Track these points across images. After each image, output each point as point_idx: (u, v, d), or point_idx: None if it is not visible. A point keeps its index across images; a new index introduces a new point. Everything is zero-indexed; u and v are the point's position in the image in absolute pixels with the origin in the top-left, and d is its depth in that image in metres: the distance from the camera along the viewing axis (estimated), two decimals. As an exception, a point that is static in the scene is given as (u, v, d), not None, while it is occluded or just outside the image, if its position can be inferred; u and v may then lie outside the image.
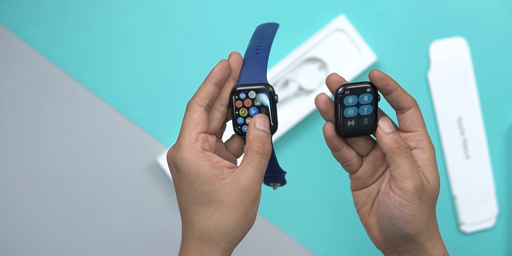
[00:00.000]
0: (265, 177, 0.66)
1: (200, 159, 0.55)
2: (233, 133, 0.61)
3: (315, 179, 0.95)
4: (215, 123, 0.58)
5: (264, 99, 0.58)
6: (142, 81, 0.94)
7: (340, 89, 0.58)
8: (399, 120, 0.59)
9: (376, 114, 0.60)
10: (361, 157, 0.62)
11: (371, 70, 0.58)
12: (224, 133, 0.61)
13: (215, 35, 0.95)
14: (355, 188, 0.64)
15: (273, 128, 0.59)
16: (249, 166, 0.55)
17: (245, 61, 0.59)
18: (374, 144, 0.62)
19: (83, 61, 0.94)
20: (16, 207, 0.94)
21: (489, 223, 0.95)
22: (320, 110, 0.60)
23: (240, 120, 0.59)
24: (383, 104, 0.60)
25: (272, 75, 0.92)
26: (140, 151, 0.94)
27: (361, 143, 0.61)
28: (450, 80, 0.94)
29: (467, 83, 0.95)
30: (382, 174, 0.62)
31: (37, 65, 0.94)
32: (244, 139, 0.60)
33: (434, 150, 0.59)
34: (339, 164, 0.64)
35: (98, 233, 0.94)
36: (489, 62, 0.95)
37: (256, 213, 0.57)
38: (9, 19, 0.93)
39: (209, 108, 0.57)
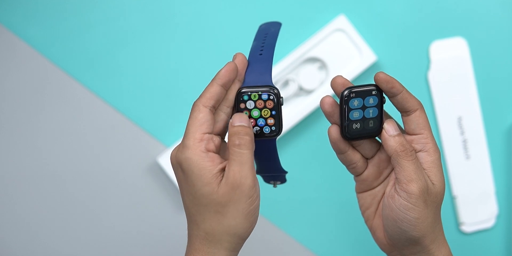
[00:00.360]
0: (266, 176, 0.66)
1: (203, 159, 0.55)
2: None
3: (316, 179, 0.95)
4: (220, 124, 0.58)
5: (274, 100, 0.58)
6: (142, 81, 0.94)
7: (346, 92, 0.58)
8: (405, 122, 0.59)
9: (381, 116, 0.59)
10: (366, 159, 0.62)
11: (376, 72, 0.58)
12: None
13: (215, 35, 0.95)
14: (360, 190, 0.63)
15: (278, 131, 0.59)
16: (232, 161, 0.55)
17: (250, 62, 0.59)
18: (379, 146, 0.62)
19: (83, 61, 0.94)
20: (16, 207, 0.94)
21: (489, 223, 0.95)
22: (325, 112, 0.59)
23: (261, 122, 0.59)
24: (388, 107, 0.60)
25: (272, 75, 0.92)
26: (140, 151, 0.94)
27: (366, 145, 0.61)
28: (450, 80, 0.94)
29: (467, 83, 0.95)
30: (387, 176, 0.62)
31: (37, 65, 0.94)
32: (257, 142, 0.60)
33: (440, 153, 0.59)
34: (339, 164, 0.63)
35: (98, 233, 0.94)
36: (489, 62, 0.95)
37: (258, 212, 0.57)
38: (9, 19, 0.93)
39: (214, 109, 0.57)
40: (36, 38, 0.94)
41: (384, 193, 0.61)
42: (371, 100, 0.59)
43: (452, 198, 0.95)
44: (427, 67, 0.95)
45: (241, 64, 0.59)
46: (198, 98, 0.57)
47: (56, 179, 0.94)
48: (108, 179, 0.94)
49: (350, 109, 0.58)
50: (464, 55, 0.95)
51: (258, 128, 0.59)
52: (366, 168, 0.62)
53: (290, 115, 0.92)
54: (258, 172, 0.64)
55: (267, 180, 0.66)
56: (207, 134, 0.56)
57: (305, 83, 0.92)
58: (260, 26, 0.65)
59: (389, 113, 0.61)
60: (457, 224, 0.95)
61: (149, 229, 0.94)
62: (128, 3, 0.94)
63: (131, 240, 0.95)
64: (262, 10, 0.94)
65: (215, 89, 0.57)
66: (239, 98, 0.58)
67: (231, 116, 0.59)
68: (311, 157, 0.95)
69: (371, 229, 0.63)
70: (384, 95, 0.59)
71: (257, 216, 0.57)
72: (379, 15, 0.94)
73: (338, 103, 0.59)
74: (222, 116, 0.59)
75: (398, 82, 0.58)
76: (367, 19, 0.94)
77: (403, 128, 0.60)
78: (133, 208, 0.94)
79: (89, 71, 0.94)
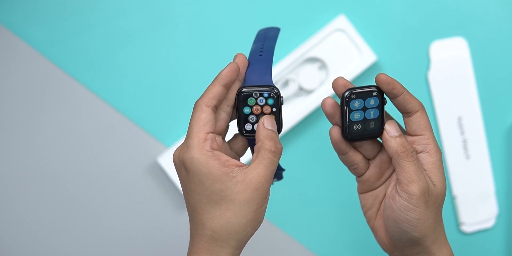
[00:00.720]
0: None
1: (209, 158, 0.55)
2: (235, 133, 0.61)
3: (316, 179, 0.95)
4: (222, 124, 0.59)
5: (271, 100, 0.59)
6: (142, 81, 0.94)
7: (347, 93, 0.58)
8: (406, 123, 0.59)
9: (382, 117, 0.60)
10: (368, 160, 0.62)
11: (377, 74, 0.58)
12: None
13: (215, 35, 0.95)
14: (361, 191, 0.64)
15: (278, 129, 0.60)
16: (261, 164, 0.56)
17: (250, 63, 0.60)
18: (381, 147, 0.62)
19: (83, 61, 0.94)
20: (16, 207, 0.94)
21: (489, 223, 0.95)
22: (326, 114, 0.60)
23: (252, 118, 0.59)
24: (389, 107, 0.60)
25: (272, 75, 0.92)
26: (140, 151, 0.94)
27: (367, 146, 0.61)
28: (450, 80, 0.94)
29: (467, 83, 0.95)
30: (389, 177, 0.62)
31: (37, 65, 0.94)
32: (248, 140, 0.61)
33: (441, 154, 0.59)
34: (339, 164, 0.63)
35: (98, 233, 0.94)
36: (489, 62, 0.95)
37: (265, 210, 0.57)
38: (9, 19, 0.94)
39: (216, 108, 0.58)
40: (36, 38, 0.94)
41: (385, 194, 0.61)
42: (372, 101, 0.59)
43: (452, 198, 0.95)
44: (427, 67, 0.95)
45: (242, 64, 0.59)
46: (200, 98, 0.57)
47: (56, 179, 0.94)
48: (108, 179, 0.94)
49: (351, 110, 0.59)
50: (464, 55, 0.95)
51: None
52: (367, 169, 0.62)
53: (290, 115, 0.92)
54: None
55: None
56: (210, 134, 0.56)
57: (305, 83, 0.92)
58: (259, 31, 0.65)
59: (390, 114, 0.61)
60: (457, 224, 0.95)
61: (149, 229, 0.94)
62: (128, 3, 0.94)
63: (131, 240, 0.95)
64: (262, 10, 0.94)
65: (217, 89, 0.57)
66: (240, 97, 0.58)
67: (231, 115, 0.60)
68: (311, 157, 0.95)
69: (373, 229, 0.63)
70: (385, 96, 0.59)
71: (264, 215, 0.58)
72: (379, 15, 0.94)
73: (339, 104, 0.59)
74: (223, 115, 0.59)
75: (399, 83, 0.58)
76: (367, 19, 0.94)
77: (405, 129, 0.60)
78: (133, 208, 0.94)
79: (89, 71, 0.94)
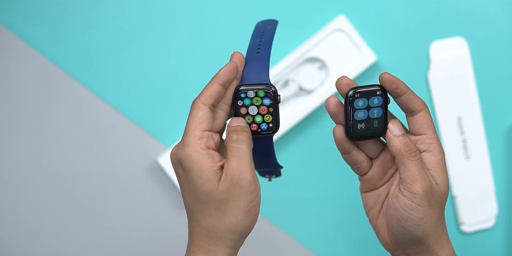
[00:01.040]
0: (262, 170, 0.66)
1: (203, 156, 0.55)
2: None
3: (316, 179, 0.95)
4: (219, 122, 0.59)
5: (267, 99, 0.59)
6: (142, 81, 0.94)
7: (350, 92, 0.58)
8: (409, 123, 0.59)
9: (386, 117, 0.60)
10: (371, 159, 0.63)
11: (381, 73, 0.58)
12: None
13: (215, 35, 0.95)
14: (364, 190, 0.64)
15: (275, 128, 0.59)
16: (230, 157, 0.56)
17: (247, 61, 0.60)
18: (384, 146, 0.62)
19: (83, 61, 0.94)
20: (16, 207, 0.94)
21: (489, 223, 0.95)
22: (330, 113, 0.60)
23: (258, 119, 0.59)
24: (393, 107, 0.60)
25: (272, 75, 0.92)
26: (140, 151, 0.94)
27: (371, 145, 0.62)
28: (450, 80, 0.94)
29: (467, 83, 0.95)
30: (392, 176, 0.62)
31: (37, 65, 0.94)
32: (254, 138, 0.60)
33: (444, 153, 0.59)
34: (339, 164, 0.64)
35: (98, 233, 0.94)
36: (489, 62, 0.95)
37: (258, 208, 0.57)
38: (9, 19, 0.93)
39: (213, 107, 0.58)
40: (36, 38, 0.94)
41: (388, 193, 0.62)
42: (376, 101, 0.59)
43: (452, 198, 0.95)
44: (427, 67, 0.95)
45: (239, 62, 0.59)
46: (198, 96, 0.57)
47: (56, 179, 0.94)
48: (108, 179, 0.94)
49: (354, 109, 0.59)
50: (464, 55, 0.95)
51: (255, 125, 0.59)
52: (370, 168, 0.62)
53: (290, 115, 0.92)
54: (254, 167, 0.64)
55: (262, 174, 0.67)
56: (206, 132, 0.56)
57: (305, 83, 0.92)
58: (257, 24, 0.65)
59: (393, 113, 0.61)
60: (457, 224, 0.95)
61: (149, 229, 0.94)
62: (128, 3, 0.94)
63: (131, 240, 0.95)
64: (262, 10, 0.94)
65: (215, 88, 0.57)
66: (237, 95, 0.58)
67: (229, 113, 0.60)
68: (311, 157, 0.95)
69: (375, 228, 0.63)
70: (388, 95, 0.59)
71: (258, 213, 0.57)
72: (379, 15, 0.94)
73: (343, 103, 0.59)
74: (221, 113, 0.59)
75: (403, 82, 0.58)
76: (367, 19, 0.94)
77: (408, 128, 0.60)
78: (133, 208, 0.94)
79: (89, 71, 0.94)
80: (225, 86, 0.58)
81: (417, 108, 0.58)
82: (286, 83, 0.93)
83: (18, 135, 0.94)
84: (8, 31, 0.93)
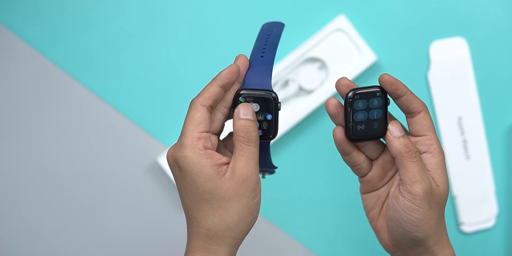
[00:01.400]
0: None
1: (202, 157, 0.55)
2: (230, 131, 0.61)
3: (316, 179, 0.95)
4: (217, 124, 0.59)
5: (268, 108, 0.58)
6: (142, 81, 0.94)
7: (350, 94, 0.58)
8: (409, 124, 0.59)
9: (385, 118, 0.60)
10: (371, 160, 0.63)
11: (381, 74, 0.58)
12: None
13: (215, 35, 0.95)
14: (364, 191, 0.64)
15: (273, 134, 0.59)
16: (240, 156, 0.56)
17: (251, 64, 0.60)
18: (384, 147, 0.62)
19: (83, 61, 0.94)
20: (16, 207, 0.94)
21: (489, 223, 0.95)
22: (330, 114, 0.60)
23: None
24: (392, 108, 0.60)
25: (273, 75, 0.92)
26: (140, 151, 0.94)
27: (371, 147, 0.62)
28: (450, 80, 0.94)
29: (467, 83, 0.95)
30: (392, 177, 0.62)
31: (37, 65, 0.94)
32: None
33: (444, 155, 0.59)
34: (339, 164, 0.64)
35: (98, 233, 0.94)
36: (489, 62, 0.95)
37: (259, 206, 0.57)
38: (9, 19, 0.93)
39: (211, 109, 0.58)
40: (36, 38, 0.94)
41: (388, 194, 0.62)
42: (376, 102, 0.59)
43: (452, 198, 0.95)
44: (427, 67, 0.95)
45: (242, 66, 0.59)
46: (196, 97, 0.57)
47: (56, 179, 0.94)
48: (108, 179, 0.94)
49: (354, 111, 0.59)
50: (464, 55, 0.95)
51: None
52: (370, 169, 0.62)
53: (290, 115, 0.92)
54: None
55: None
56: (204, 133, 0.56)
57: (305, 83, 0.92)
58: (263, 26, 0.65)
59: (393, 114, 0.61)
60: (457, 224, 0.95)
61: (149, 229, 0.94)
62: (128, 3, 0.94)
63: (131, 240, 0.94)
64: (262, 10, 0.94)
65: (214, 90, 0.57)
66: (237, 100, 0.58)
67: (228, 116, 0.60)
68: (310, 157, 0.95)
69: (375, 229, 0.63)
70: (388, 96, 0.59)
71: (259, 211, 0.57)
72: (379, 15, 0.94)
73: (343, 104, 0.59)
74: (219, 116, 0.59)
75: (403, 83, 0.58)
76: (367, 19, 0.94)
77: (408, 129, 0.60)
78: (133, 208, 0.94)
79: (89, 71, 0.94)
80: (225, 88, 0.58)
81: (417, 109, 0.58)
82: (286, 83, 0.93)
83: (18, 135, 0.94)
84: (8, 31, 0.93)
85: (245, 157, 0.56)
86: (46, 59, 0.94)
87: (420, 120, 0.59)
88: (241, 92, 0.58)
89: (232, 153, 0.61)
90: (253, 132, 0.57)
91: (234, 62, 0.59)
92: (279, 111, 0.59)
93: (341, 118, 0.60)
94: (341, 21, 0.93)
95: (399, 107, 0.59)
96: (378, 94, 0.59)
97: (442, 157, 0.59)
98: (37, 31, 0.94)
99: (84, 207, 0.94)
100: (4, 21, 0.93)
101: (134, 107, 0.94)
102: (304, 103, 0.93)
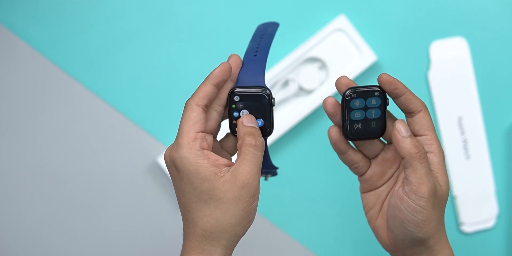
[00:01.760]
0: None
1: (199, 157, 0.55)
2: (227, 132, 0.61)
3: (315, 179, 0.95)
4: (212, 123, 0.59)
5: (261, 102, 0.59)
6: (142, 81, 0.94)
7: (348, 92, 0.58)
8: (409, 123, 0.59)
9: (384, 118, 0.60)
10: (369, 159, 0.63)
11: (380, 74, 0.58)
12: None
13: (215, 35, 0.95)
14: (363, 190, 0.64)
15: (269, 131, 0.59)
16: (244, 160, 0.56)
17: (244, 63, 0.60)
18: (383, 146, 0.62)
19: (83, 61, 0.94)
20: (16, 207, 0.94)
21: (489, 223, 0.95)
22: (327, 113, 0.60)
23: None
24: (392, 107, 0.60)
25: (272, 75, 0.92)
26: (140, 151, 0.94)
27: (369, 145, 0.62)
28: (450, 80, 0.94)
29: (467, 83, 0.95)
30: (391, 176, 0.62)
31: (37, 65, 0.94)
32: None
33: (443, 154, 0.59)
34: (339, 164, 0.63)
35: (98, 233, 0.94)
36: (489, 62, 0.95)
37: (256, 209, 0.57)
38: (9, 19, 0.93)
39: (206, 108, 0.58)
40: (36, 38, 0.94)
41: (388, 193, 0.62)
42: (374, 101, 0.59)
43: (452, 198, 0.95)
44: (427, 67, 0.95)
45: (235, 65, 0.59)
46: (191, 97, 0.58)
47: (56, 179, 0.94)
48: (108, 179, 0.94)
49: (351, 109, 0.59)
50: (464, 55, 0.95)
51: None
52: (368, 167, 0.62)
53: (290, 115, 0.92)
54: None
55: None
56: (200, 133, 0.57)
57: (305, 83, 0.92)
58: (258, 27, 0.65)
59: (393, 113, 0.61)
60: (457, 224, 0.95)
61: (149, 229, 0.94)
62: (128, 3, 0.94)
63: (131, 240, 0.95)
64: (262, 10, 0.94)
65: (208, 89, 0.57)
66: (232, 97, 0.58)
67: (223, 114, 0.60)
68: (311, 157, 0.95)
69: (374, 229, 0.63)
70: (388, 97, 0.59)
71: (255, 214, 0.57)
72: (379, 15, 0.94)
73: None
74: (214, 114, 0.59)
75: (402, 83, 0.58)
76: (367, 19, 0.94)
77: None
78: (133, 208, 0.94)
79: (89, 71, 0.94)
80: (218, 86, 0.58)
81: (417, 109, 0.58)
82: (286, 83, 0.93)
83: (18, 135, 0.94)
84: (8, 31, 0.93)
85: (249, 161, 0.56)
86: (46, 59, 0.94)
87: (419, 119, 0.58)
88: (235, 90, 0.58)
89: (229, 154, 0.62)
90: (260, 138, 0.57)
91: (226, 61, 0.59)
92: (273, 107, 0.59)
93: (338, 117, 0.60)
94: (341, 21, 0.92)
95: (399, 106, 0.59)
96: (376, 93, 0.59)
97: (443, 157, 0.59)
98: (37, 31, 0.94)
99: (84, 207, 0.94)
100: (4, 21, 0.93)
101: (134, 107, 0.94)
102: (304, 103, 0.93)
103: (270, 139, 0.92)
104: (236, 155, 0.62)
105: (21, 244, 0.94)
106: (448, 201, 0.95)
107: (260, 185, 0.58)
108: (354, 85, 0.59)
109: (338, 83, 0.59)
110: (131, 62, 0.94)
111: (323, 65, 0.93)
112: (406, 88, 0.58)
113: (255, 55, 0.60)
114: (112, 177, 0.94)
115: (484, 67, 0.95)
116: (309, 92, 0.93)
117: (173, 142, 0.58)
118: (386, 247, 0.62)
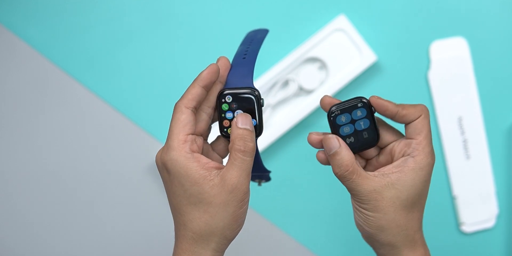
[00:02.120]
0: (251, 175, 0.66)
1: (188, 160, 0.56)
2: (218, 134, 0.61)
3: (315, 179, 0.95)
4: (202, 125, 0.59)
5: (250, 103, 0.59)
6: (142, 81, 0.94)
7: (331, 109, 0.60)
8: (405, 126, 0.60)
9: (375, 126, 0.60)
10: (366, 160, 0.64)
11: (370, 96, 0.59)
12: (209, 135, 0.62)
13: (215, 35, 0.95)
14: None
15: (258, 132, 0.60)
16: (233, 165, 0.56)
17: (233, 66, 0.60)
18: (379, 150, 0.63)
19: (83, 61, 0.94)
20: (16, 207, 0.94)
21: (489, 223, 0.95)
22: (316, 147, 0.61)
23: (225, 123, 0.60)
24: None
25: (272, 75, 0.92)
26: (140, 151, 0.94)
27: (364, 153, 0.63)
28: (450, 80, 0.94)
29: (467, 83, 0.95)
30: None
31: (37, 65, 0.94)
32: (229, 141, 0.61)
33: (432, 158, 0.59)
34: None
35: (98, 232, 0.94)
36: (489, 62, 0.95)
37: (246, 214, 0.58)
38: (9, 19, 0.94)
39: (196, 110, 0.58)
40: (36, 38, 0.94)
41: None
42: (359, 113, 0.60)
43: (452, 198, 0.95)
44: (427, 67, 0.95)
45: (224, 67, 0.60)
46: (180, 99, 0.58)
47: (56, 179, 0.94)
48: (108, 179, 0.94)
49: (338, 126, 0.59)
50: (464, 55, 0.95)
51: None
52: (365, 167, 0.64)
53: (290, 115, 0.92)
54: None
55: (252, 178, 0.67)
56: (190, 135, 0.57)
57: (305, 83, 0.92)
58: (248, 33, 0.66)
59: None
60: (457, 224, 0.95)
61: (149, 229, 0.95)
62: (128, 3, 0.94)
63: (130, 240, 0.95)
64: (262, 10, 0.94)
65: (197, 91, 0.58)
66: (221, 99, 0.59)
67: (212, 116, 0.60)
68: (310, 157, 0.95)
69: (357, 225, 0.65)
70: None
71: (245, 218, 0.58)
72: (379, 15, 0.94)
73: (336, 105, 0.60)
74: (204, 116, 0.59)
75: (391, 103, 0.59)
76: (367, 19, 0.94)
77: (404, 133, 0.61)
78: (132, 208, 0.94)
79: (89, 71, 0.94)
80: (207, 88, 0.58)
81: (413, 119, 0.59)
82: (286, 83, 0.93)
83: (18, 135, 0.94)
84: (8, 31, 0.93)
85: (238, 167, 0.56)
86: (46, 59, 0.94)
87: (414, 124, 0.59)
88: (224, 92, 0.59)
89: (220, 156, 0.62)
90: (250, 142, 0.57)
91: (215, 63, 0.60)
92: (262, 107, 0.60)
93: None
94: (341, 21, 0.92)
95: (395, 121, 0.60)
96: (359, 104, 0.59)
97: (423, 164, 0.58)
98: (37, 31, 0.94)
99: (84, 207, 0.94)
100: (4, 21, 0.94)
101: (134, 107, 0.94)
102: (304, 103, 0.93)
103: (270, 139, 0.92)
104: (228, 157, 0.63)
105: (21, 244, 0.94)
106: (448, 202, 0.95)
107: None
108: (337, 102, 0.60)
109: (321, 104, 0.61)
110: (131, 62, 0.94)
111: (323, 65, 0.93)
112: (397, 106, 0.59)
113: (243, 58, 0.60)
114: (112, 177, 0.94)
115: (484, 67, 0.95)
116: (309, 92, 0.93)
117: (164, 145, 0.58)
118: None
